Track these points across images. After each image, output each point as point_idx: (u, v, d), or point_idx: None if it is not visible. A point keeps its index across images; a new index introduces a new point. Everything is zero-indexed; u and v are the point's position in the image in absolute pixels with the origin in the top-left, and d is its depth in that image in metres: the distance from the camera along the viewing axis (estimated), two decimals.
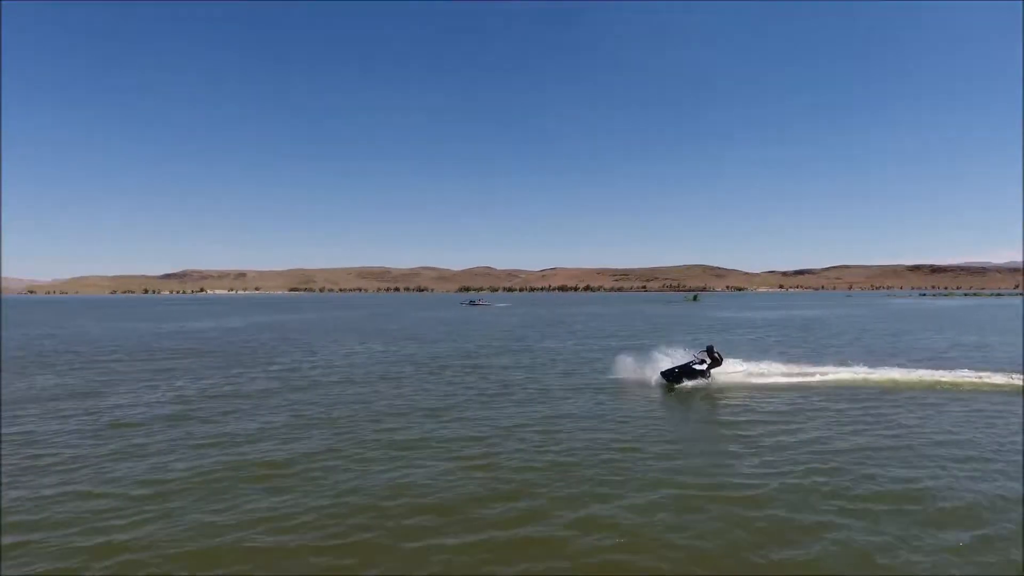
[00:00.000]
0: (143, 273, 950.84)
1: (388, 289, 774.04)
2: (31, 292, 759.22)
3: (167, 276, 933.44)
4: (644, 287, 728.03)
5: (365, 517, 9.19)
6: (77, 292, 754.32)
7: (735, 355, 24.05)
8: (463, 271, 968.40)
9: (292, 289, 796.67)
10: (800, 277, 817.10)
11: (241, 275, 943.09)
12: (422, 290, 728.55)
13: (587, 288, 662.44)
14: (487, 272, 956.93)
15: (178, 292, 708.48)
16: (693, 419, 16.11)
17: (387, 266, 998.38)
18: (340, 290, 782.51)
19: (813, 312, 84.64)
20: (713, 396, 19.01)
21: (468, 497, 10.01)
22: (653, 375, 20.99)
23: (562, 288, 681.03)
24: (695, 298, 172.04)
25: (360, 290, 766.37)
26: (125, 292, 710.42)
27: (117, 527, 8.80)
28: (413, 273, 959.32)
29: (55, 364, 28.11)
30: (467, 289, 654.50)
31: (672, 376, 20.42)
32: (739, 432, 14.35)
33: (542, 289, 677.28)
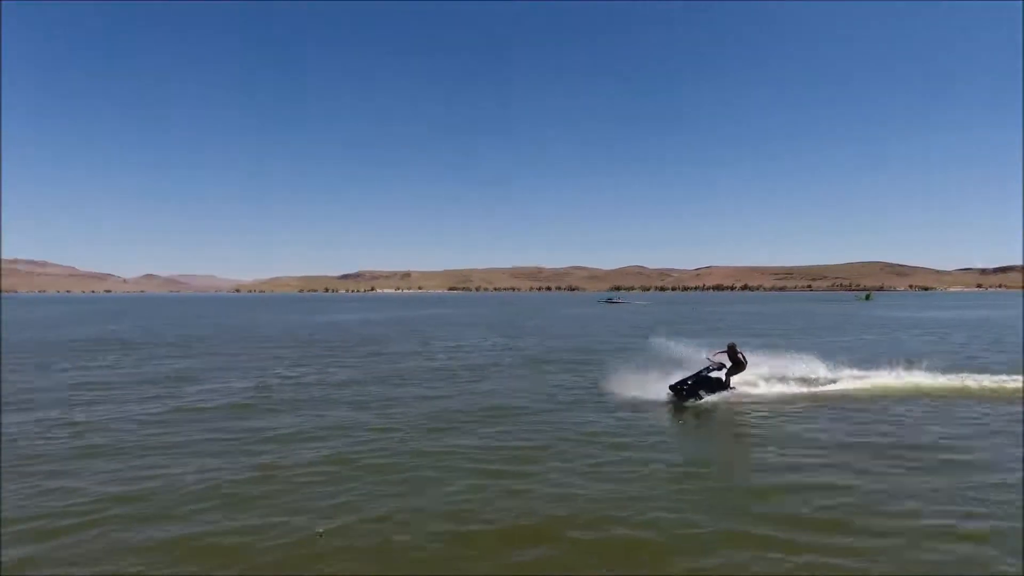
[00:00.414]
0: (325, 274, 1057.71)
1: (540, 288, 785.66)
2: (237, 291, 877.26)
3: (344, 277, 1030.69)
4: (809, 286, 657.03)
5: (319, 550, 6.94)
6: (272, 291, 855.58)
7: (903, 360, 18.84)
8: (614, 270, 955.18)
9: (451, 288, 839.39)
10: (1004, 275, 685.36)
11: (406, 275, 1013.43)
12: (573, 289, 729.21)
13: (745, 287, 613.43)
14: (639, 271, 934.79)
15: (352, 291, 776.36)
16: (814, 437, 11.64)
17: (540, 265, 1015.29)
18: (495, 289, 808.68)
19: (1019, 311, 69.39)
20: (831, 404, 14.31)
21: (467, 536, 7.33)
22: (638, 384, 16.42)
23: (717, 287, 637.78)
24: (867, 297, 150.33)
25: (514, 289, 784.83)
26: (310, 291, 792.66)
27: (40, 532, 7.41)
28: (565, 272, 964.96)
29: (191, 348, 29.95)
30: (618, 288, 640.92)
31: (683, 390, 15.17)
32: (891, 457, 9.96)
33: (695, 288, 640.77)
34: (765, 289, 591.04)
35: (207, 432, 12.46)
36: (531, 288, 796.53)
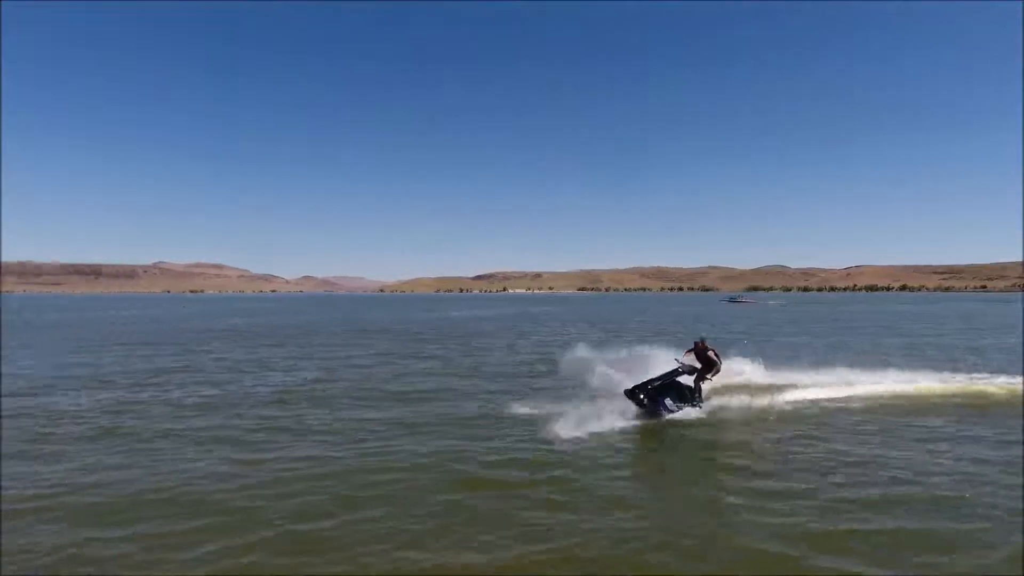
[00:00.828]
0: (461, 275, 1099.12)
1: (671, 289, 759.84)
2: (381, 291, 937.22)
3: (478, 277, 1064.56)
4: (984, 286, 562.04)
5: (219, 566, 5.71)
6: (412, 290, 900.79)
7: None
8: (752, 270, 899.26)
9: (580, 288, 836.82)
10: None
11: (537, 276, 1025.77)
12: (706, 290, 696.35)
13: (903, 288, 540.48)
14: (780, 271, 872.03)
15: (485, 291, 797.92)
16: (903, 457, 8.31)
17: (671, 266, 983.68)
18: (625, 289, 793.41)
19: None
20: None
21: None
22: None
23: (870, 288, 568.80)
24: None
25: (644, 289, 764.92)
26: (446, 291, 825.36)
27: None
28: (698, 273, 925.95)
29: (291, 339, 31.23)
30: (755, 288, 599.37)
31: (642, 397, 11.70)
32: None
33: (844, 289, 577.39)
34: (928, 290, 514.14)
35: (231, 419, 11.88)
36: (661, 288, 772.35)
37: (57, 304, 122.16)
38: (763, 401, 12.99)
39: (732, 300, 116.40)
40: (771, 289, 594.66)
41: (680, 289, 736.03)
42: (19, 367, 19.63)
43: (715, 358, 12.59)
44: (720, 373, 12.79)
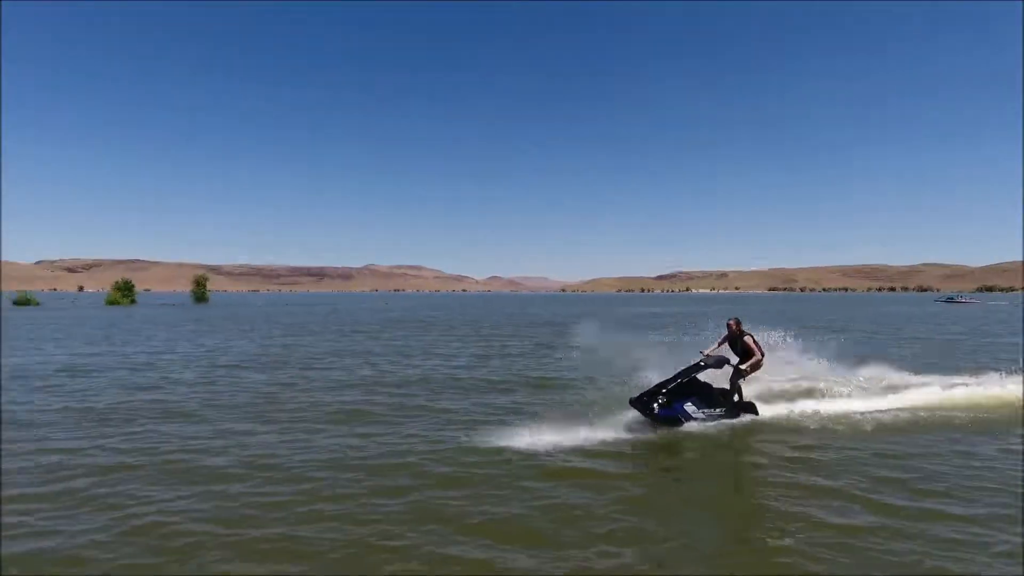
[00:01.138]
0: (643, 275, 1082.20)
1: (880, 288, 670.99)
2: (563, 291, 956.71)
3: (660, 277, 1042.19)
4: None
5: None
6: (593, 291, 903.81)
7: None
8: (986, 268, 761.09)
9: (771, 288, 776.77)
10: None
11: (723, 275, 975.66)
12: (924, 289, 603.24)
13: None
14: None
15: (667, 291, 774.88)
16: None
17: (880, 263, 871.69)
18: (823, 289, 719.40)
19: None
20: None
21: None
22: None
23: None
24: None
25: (846, 289, 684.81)
26: (627, 291, 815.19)
27: None
28: (913, 271, 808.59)
29: (456, 331, 33.06)
30: (989, 289, 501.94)
31: (652, 405, 8.76)
32: None
33: None
34: None
35: (370, 395, 12.51)
36: (868, 288, 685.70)
37: (292, 299, 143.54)
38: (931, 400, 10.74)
39: (949, 300, 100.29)
40: (1010, 290, 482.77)
41: (892, 289, 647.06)
42: (233, 346, 23.12)
43: (753, 345, 9.55)
44: (763, 368, 9.71)
